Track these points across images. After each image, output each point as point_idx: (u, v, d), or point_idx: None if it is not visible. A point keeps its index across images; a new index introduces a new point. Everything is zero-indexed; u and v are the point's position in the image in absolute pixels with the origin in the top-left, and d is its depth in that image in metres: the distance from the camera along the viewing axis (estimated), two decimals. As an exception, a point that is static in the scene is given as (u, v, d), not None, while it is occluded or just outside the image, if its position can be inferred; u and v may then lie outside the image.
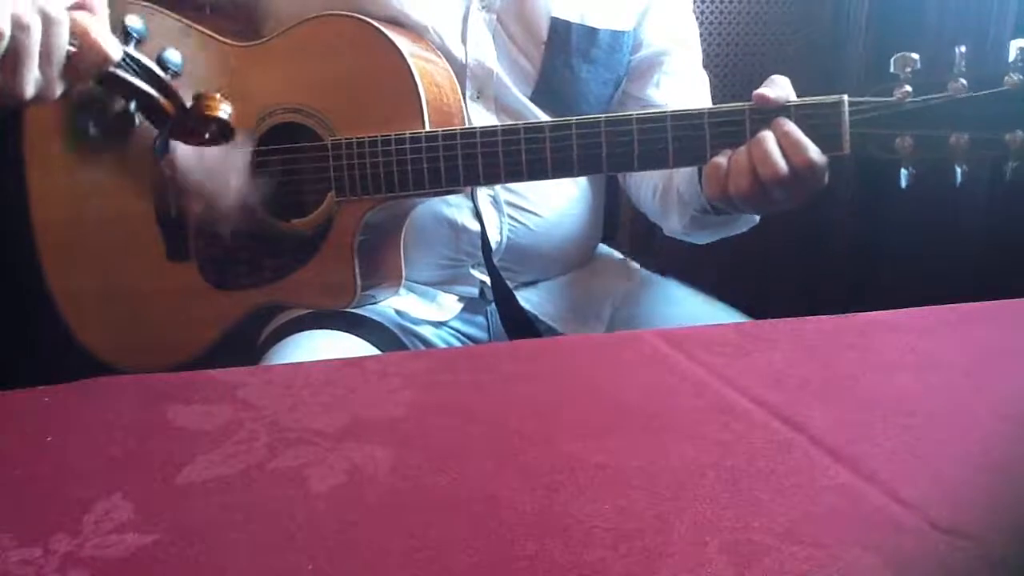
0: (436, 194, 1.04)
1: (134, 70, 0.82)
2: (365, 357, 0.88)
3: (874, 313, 0.88)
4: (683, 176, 1.10)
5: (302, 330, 1.06)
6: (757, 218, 1.10)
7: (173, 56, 0.85)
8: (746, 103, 0.94)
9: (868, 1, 1.65)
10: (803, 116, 0.92)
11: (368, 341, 1.07)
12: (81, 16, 0.73)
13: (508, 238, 1.15)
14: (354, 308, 1.09)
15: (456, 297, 1.17)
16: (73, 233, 1.12)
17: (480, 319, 1.20)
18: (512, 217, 1.14)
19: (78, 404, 0.71)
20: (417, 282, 1.15)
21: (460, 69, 1.09)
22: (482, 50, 1.10)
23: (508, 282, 1.14)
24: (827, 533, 0.53)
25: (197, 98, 0.88)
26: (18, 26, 0.68)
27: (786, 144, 0.91)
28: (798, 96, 0.94)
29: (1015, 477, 0.60)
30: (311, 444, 0.64)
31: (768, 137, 0.92)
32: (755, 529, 0.53)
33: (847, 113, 0.91)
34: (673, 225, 1.17)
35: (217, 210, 1.01)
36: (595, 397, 0.73)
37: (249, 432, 0.66)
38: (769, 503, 0.56)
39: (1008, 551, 0.52)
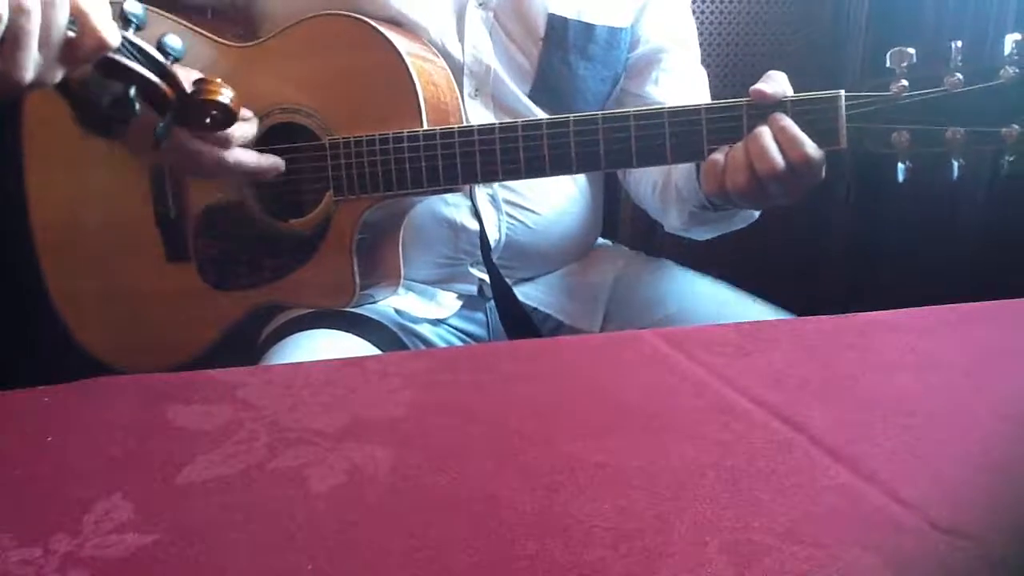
0: (434, 193, 1.04)
1: (133, 55, 0.81)
2: (365, 357, 0.88)
3: (874, 313, 0.88)
4: (681, 172, 1.10)
5: (302, 330, 1.06)
6: (756, 213, 1.11)
7: (173, 42, 0.84)
8: (743, 99, 0.94)
9: (868, 1, 1.65)
10: (800, 111, 0.92)
11: (368, 340, 1.07)
12: (80, 0, 0.73)
13: (507, 236, 1.15)
14: (353, 307, 1.09)
15: (455, 295, 1.17)
16: (72, 234, 1.12)
17: (479, 316, 1.20)
18: (511, 215, 1.14)
19: (78, 404, 0.71)
20: (416, 281, 1.15)
21: (458, 67, 1.09)
22: (479, 48, 1.10)
23: (507, 279, 1.15)
24: (827, 533, 0.53)
25: (198, 83, 0.87)
26: (17, 9, 0.68)
27: (783, 139, 0.92)
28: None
29: (1015, 477, 0.61)
30: (311, 444, 0.64)
31: (765, 133, 0.92)
32: (755, 529, 0.53)
33: (843, 108, 0.91)
34: (673, 221, 1.18)
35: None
36: (595, 397, 0.73)
37: (249, 432, 0.66)
38: (769, 503, 0.56)
39: (1008, 551, 0.52)
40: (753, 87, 0.94)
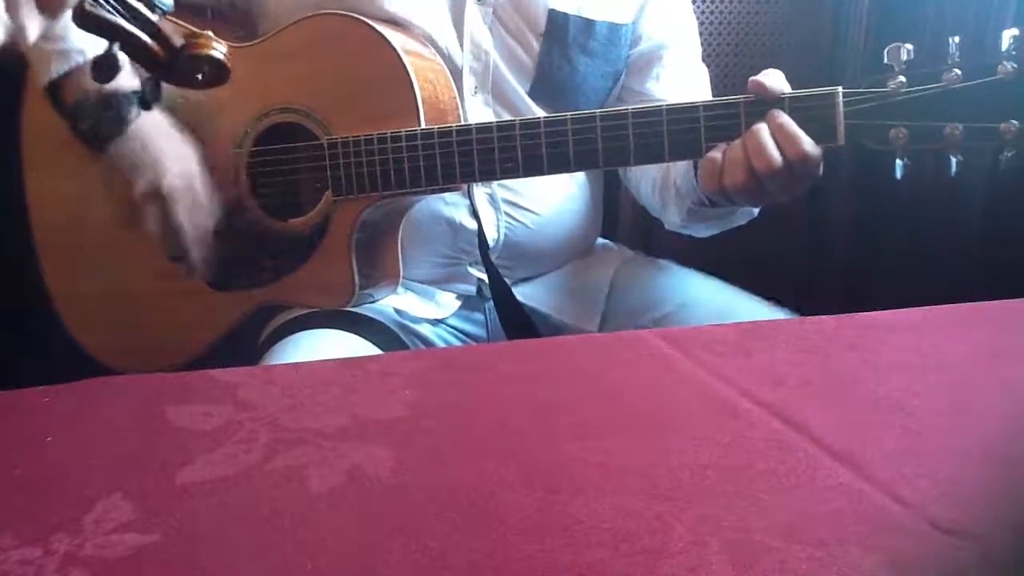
0: (432, 192, 1.04)
1: (115, 9, 0.75)
2: (365, 357, 0.88)
3: (874, 313, 0.88)
4: (680, 170, 1.10)
5: (302, 330, 1.06)
6: (755, 211, 1.11)
7: None
8: (741, 96, 0.94)
9: (868, 0, 1.65)
10: (797, 108, 0.93)
11: (368, 340, 1.07)
12: None
13: (505, 236, 1.15)
14: (353, 307, 1.09)
15: (454, 295, 1.17)
16: (72, 235, 1.12)
17: (478, 316, 1.20)
18: (509, 215, 1.14)
19: (78, 404, 0.71)
20: (415, 280, 1.15)
21: (457, 66, 1.09)
22: (479, 44, 1.10)
23: (506, 279, 1.15)
24: (827, 533, 0.53)
25: (188, 37, 0.81)
26: None
27: (780, 136, 0.92)
28: (795, 93, 0.94)
29: (1015, 477, 0.61)
30: (311, 444, 0.64)
31: (763, 129, 0.92)
32: (755, 529, 0.53)
33: (841, 104, 0.91)
34: (672, 218, 1.18)
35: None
36: (595, 397, 0.73)
37: (249, 432, 0.66)
38: (769, 503, 0.56)
39: (1008, 551, 0.52)
40: (752, 78, 0.94)
